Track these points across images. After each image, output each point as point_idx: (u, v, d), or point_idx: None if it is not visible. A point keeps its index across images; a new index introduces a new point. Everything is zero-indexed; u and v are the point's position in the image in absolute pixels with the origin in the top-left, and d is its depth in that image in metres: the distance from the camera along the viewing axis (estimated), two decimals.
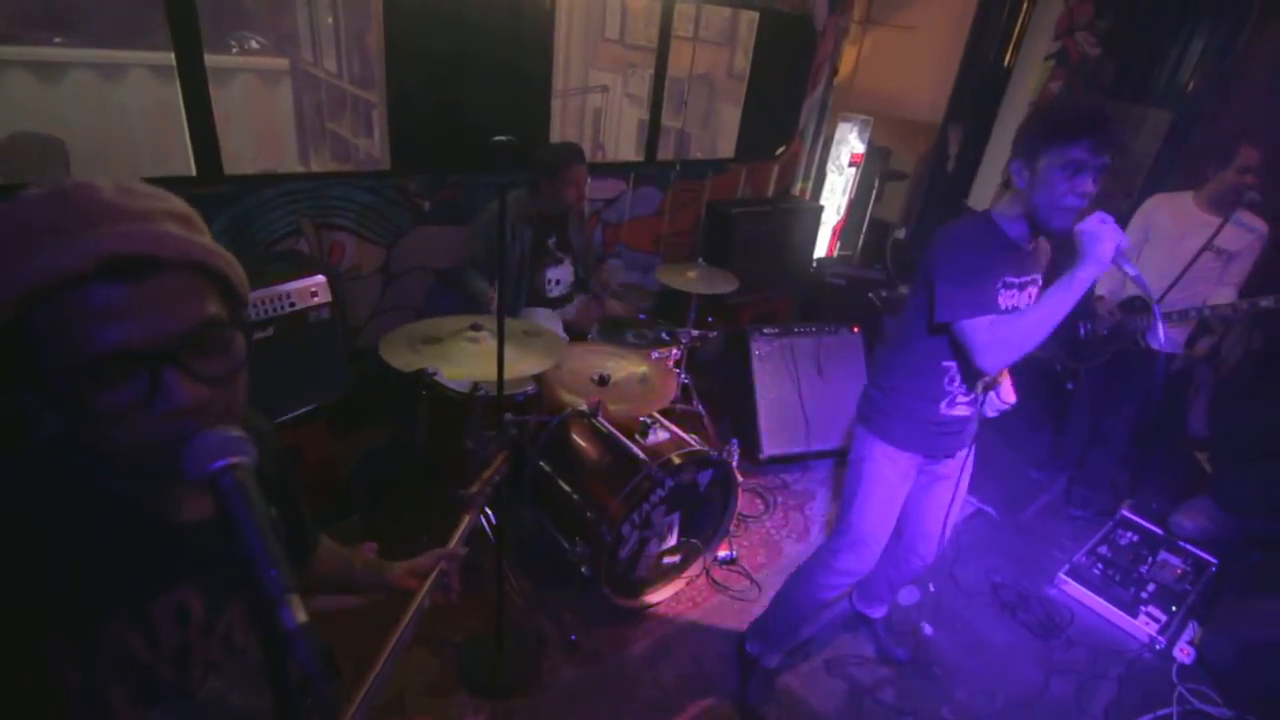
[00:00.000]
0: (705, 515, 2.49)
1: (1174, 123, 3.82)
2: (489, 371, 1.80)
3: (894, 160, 4.86)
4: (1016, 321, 1.57)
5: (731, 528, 2.61)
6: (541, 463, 2.39)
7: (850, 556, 1.93)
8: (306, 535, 0.99)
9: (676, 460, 2.20)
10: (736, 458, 2.40)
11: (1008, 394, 1.82)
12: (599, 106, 5.62)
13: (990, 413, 1.85)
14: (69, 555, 0.61)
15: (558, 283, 2.91)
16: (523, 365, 1.92)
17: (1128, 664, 2.47)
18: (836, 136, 4.60)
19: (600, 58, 5.61)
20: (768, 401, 3.29)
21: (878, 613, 2.43)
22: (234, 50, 4.26)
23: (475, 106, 2.87)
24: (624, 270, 3.79)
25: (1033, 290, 1.74)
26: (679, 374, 2.90)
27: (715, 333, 3.11)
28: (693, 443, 2.35)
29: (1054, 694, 2.32)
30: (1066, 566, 2.84)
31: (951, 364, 1.75)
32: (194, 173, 2.31)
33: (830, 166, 4.68)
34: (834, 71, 4.29)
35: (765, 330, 3.35)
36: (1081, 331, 3.07)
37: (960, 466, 1.92)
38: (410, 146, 2.84)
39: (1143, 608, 2.66)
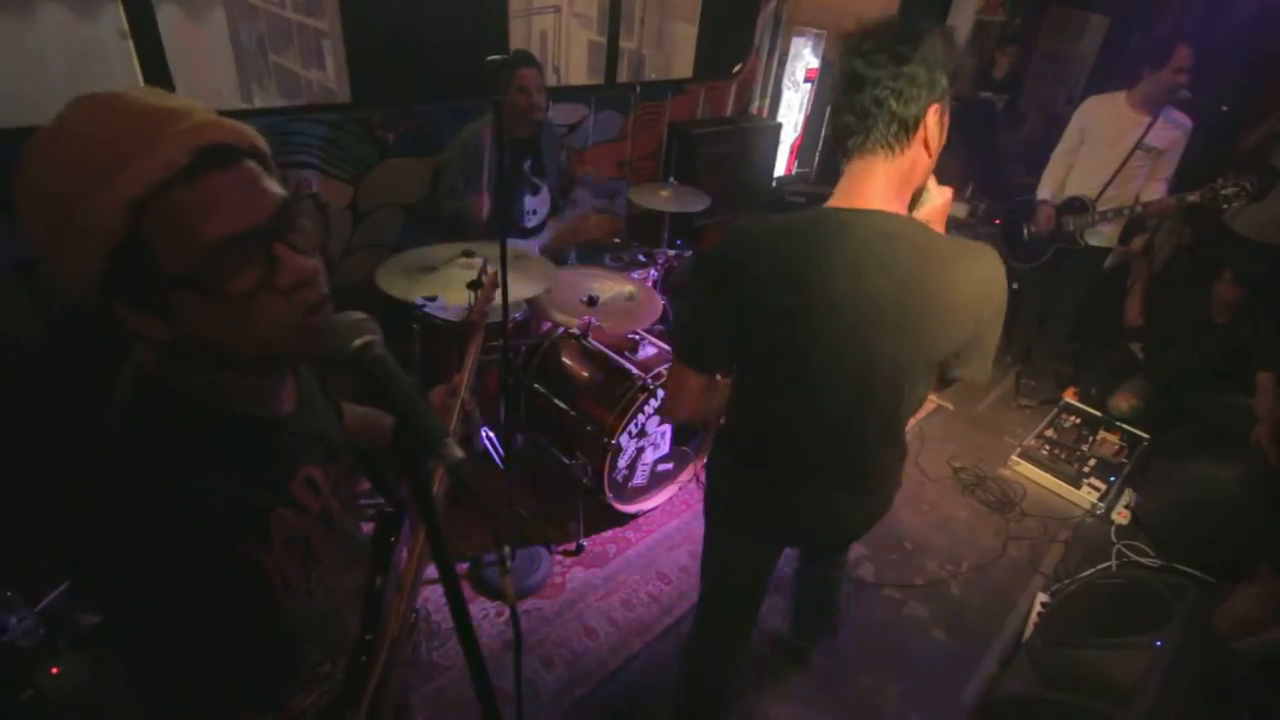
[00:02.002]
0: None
1: (1112, 26, 3.96)
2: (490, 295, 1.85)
3: None
4: None
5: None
6: (536, 385, 2.49)
7: None
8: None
9: (666, 372, 2.32)
10: None
11: None
12: (544, 29, 5.43)
13: None
14: (233, 465, 0.69)
15: (534, 213, 2.91)
16: (519, 289, 1.98)
17: (1073, 528, 2.78)
18: (791, 52, 4.60)
19: None
20: None
21: None
22: None
23: (433, 31, 2.79)
24: (591, 197, 3.80)
25: None
26: (658, 295, 2.99)
27: (690, 251, 3.19)
28: None
29: (1011, 557, 2.61)
30: (1018, 450, 3.12)
31: None
32: None
33: (786, 83, 4.69)
34: None
35: None
36: (1025, 233, 3.27)
37: None
38: (370, 76, 2.75)
39: (1085, 480, 2.96)
